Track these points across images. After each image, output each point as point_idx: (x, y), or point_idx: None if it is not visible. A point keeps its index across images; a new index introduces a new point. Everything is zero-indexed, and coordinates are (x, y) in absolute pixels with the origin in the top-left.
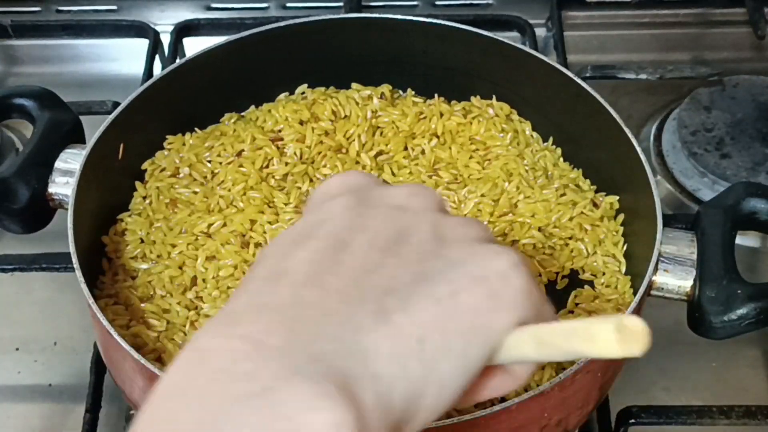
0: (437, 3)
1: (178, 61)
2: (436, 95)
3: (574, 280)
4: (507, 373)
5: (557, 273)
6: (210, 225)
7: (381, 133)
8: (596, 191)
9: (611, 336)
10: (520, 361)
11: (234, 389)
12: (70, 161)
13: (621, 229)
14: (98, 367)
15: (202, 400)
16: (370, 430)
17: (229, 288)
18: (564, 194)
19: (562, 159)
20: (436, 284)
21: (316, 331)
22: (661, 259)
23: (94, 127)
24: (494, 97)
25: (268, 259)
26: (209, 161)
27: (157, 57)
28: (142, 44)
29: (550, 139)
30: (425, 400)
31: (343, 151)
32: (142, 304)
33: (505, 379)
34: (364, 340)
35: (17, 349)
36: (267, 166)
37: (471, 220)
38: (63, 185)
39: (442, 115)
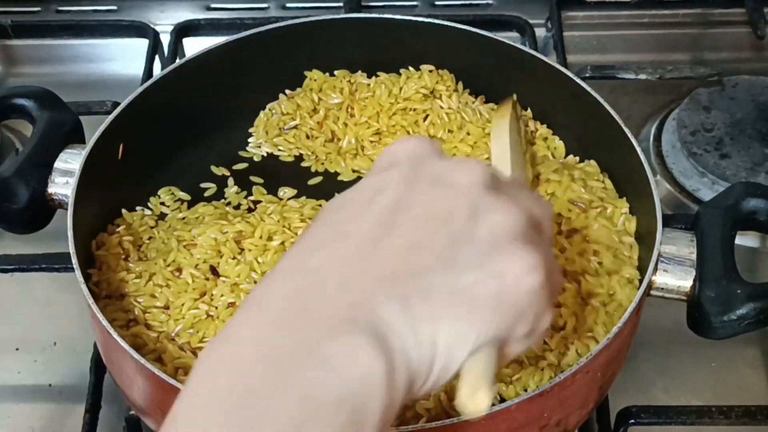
0: (437, 3)
1: (177, 61)
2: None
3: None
4: None
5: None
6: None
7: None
8: None
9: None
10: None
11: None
12: (70, 161)
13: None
14: (98, 367)
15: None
16: (395, 383)
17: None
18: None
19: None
20: (459, 274)
21: (356, 295)
22: (661, 259)
23: (94, 128)
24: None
25: (327, 220)
26: None
27: (156, 57)
28: (142, 44)
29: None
30: (432, 373)
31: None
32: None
33: None
34: (390, 315)
35: (17, 349)
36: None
37: (511, 208)
38: (63, 185)
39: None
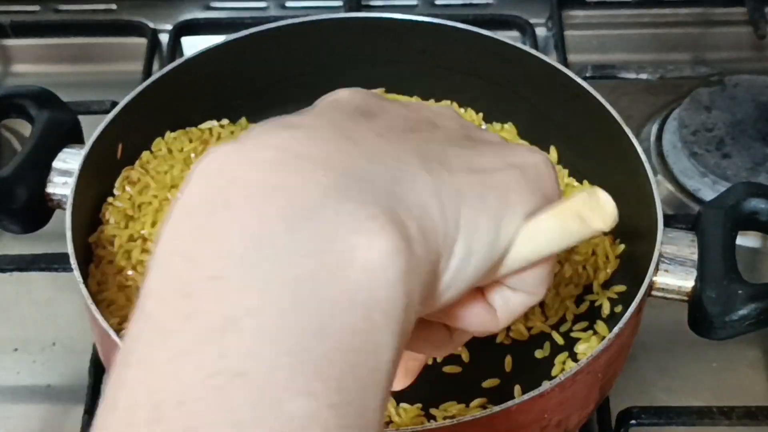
0: (437, 3)
1: (176, 60)
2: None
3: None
4: (490, 310)
5: None
6: None
7: None
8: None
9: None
10: (529, 260)
11: (278, 206)
12: (69, 161)
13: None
14: (97, 367)
15: (241, 217)
16: (415, 262)
17: None
18: None
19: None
20: (473, 158)
21: (358, 157)
22: (662, 259)
23: (93, 127)
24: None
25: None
26: None
27: (155, 56)
28: (141, 43)
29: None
30: (455, 257)
31: None
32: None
33: (488, 313)
34: (408, 175)
35: (16, 349)
36: None
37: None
38: (61, 185)
39: None
